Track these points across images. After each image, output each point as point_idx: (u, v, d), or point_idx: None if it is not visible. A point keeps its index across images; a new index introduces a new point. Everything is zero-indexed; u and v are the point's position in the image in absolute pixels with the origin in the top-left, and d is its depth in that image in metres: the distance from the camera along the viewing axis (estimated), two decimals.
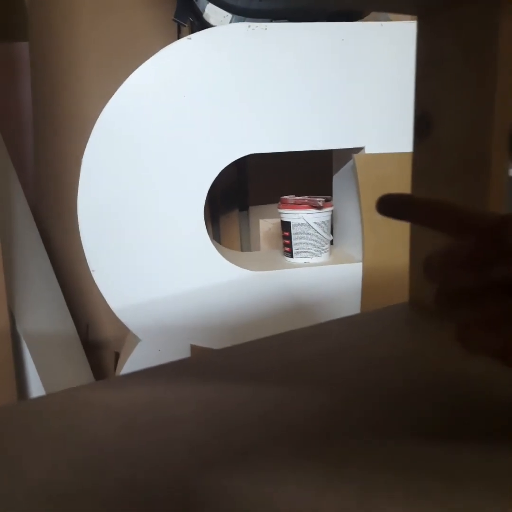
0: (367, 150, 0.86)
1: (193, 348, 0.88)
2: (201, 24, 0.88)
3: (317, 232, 0.92)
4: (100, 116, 0.78)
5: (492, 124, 0.32)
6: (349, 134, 0.86)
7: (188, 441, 0.24)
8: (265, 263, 0.96)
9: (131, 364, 0.88)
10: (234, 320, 0.88)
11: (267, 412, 0.26)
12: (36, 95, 1.11)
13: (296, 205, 0.92)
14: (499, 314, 0.22)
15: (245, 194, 1.19)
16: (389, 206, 0.25)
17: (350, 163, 0.90)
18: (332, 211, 0.95)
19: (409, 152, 0.40)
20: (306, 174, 1.13)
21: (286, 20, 0.85)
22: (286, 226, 0.95)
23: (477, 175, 0.34)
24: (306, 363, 0.32)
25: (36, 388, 0.84)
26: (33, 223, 1.00)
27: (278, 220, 0.99)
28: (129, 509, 0.20)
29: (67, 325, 1.02)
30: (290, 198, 0.94)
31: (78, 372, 0.99)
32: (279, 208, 0.95)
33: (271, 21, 0.85)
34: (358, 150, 0.87)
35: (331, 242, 0.98)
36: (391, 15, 0.99)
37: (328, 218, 0.94)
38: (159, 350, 0.87)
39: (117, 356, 1.11)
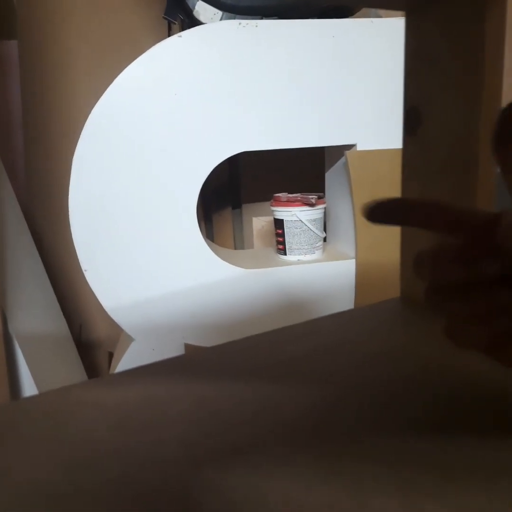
0: (359, 147, 0.87)
1: (187, 347, 0.88)
2: (191, 21, 0.87)
3: (310, 229, 0.92)
4: (90, 115, 0.77)
5: (481, 119, 0.32)
6: (341, 131, 0.86)
7: (180, 438, 0.24)
8: (259, 261, 0.96)
9: (124, 363, 0.88)
10: (228, 318, 0.88)
11: (260, 409, 0.26)
12: (25, 95, 1.10)
13: (289, 203, 0.92)
14: (487, 308, 0.22)
15: (238, 192, 1.19)
16: (378, 212, 0.25)
17: (342, 160, 0.90)
18: (324, 208, 0.95)
19: (401, 149, 0.40)
20: (298, 171, 1.13)
21: (276, 17, 0.85)
22: (279, 223, 0.95)
23: (466, 170, 0.34)
24: (299, 359, 0.32)
25: (29, 388, 0.84)
26: (25, 224, 0.99)
27: (272, 218, 0.99)
28: (120, 507, 0.20)
29: (59, 325, 1.02)
30: (283, 195, 0.94)
31: (71, 372, 0.99)
32: (272, 205, 0.95)
33: (261, 18, 0.85)
34: (350, 147, 0.88)
35: (324, 239, 0.98)
36: (381, 12, 0.99)
37: (321, 215, 0.94)
38: (153, 349, 0.87)
39: (110, 355, 1.11)
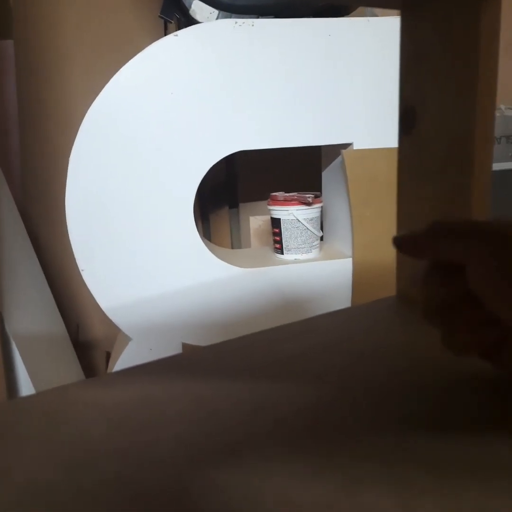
0: (356, 146, 0.87)
1: (185, 346, 0.88)
2: (188, 20, 0.87)
3: (307, 228, 0.93)
4: (87, 115, 0.77)
5: (476, 118, 0.32)
6: (337, 130, 0.86)
7: (178, 438, 0.24)
8: (256, 260, 0.96)
9: (122, 363, 0.88)
10: (225, 317, 0.88)
11: (257, 407, 0.26)
12: (21, 94, 1.10)
13: (286, 202, 0.92)
14: (477, 319, 0.25)
15: (235, 191, 1.19)
16: (407, 246, 0.28)
17: (339, 159, 0.90)
18: (321, 207, 0.95)
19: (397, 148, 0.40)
20: (295, 170, 1.13)
21: (273, 16, 0.85)
22: (276, 222, 0.95)
23: (462, 169, 0.34)
24: (296, 358, 0.32)
25: (26, 389, 0.84)
26: (21, 224, 0.99)
27: (269, 217, 0.99)
28: (119, 507, 0.20)
29: (57, 325, 1.01)
30: (279, 194, 0.94)
31: (68, 372, 0.99)
32: (268, 205, 0.95)
33: (258, 17, 0.85)
34: (346, 146, 0.88)
35: (321, 238, 0.99)
36: (377, 11, 0.99)
37: (318, 214, 0.95)
38: (151, 349, 0.87)
39: (108, 355, 1.11)
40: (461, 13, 0.32)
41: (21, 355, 0.83)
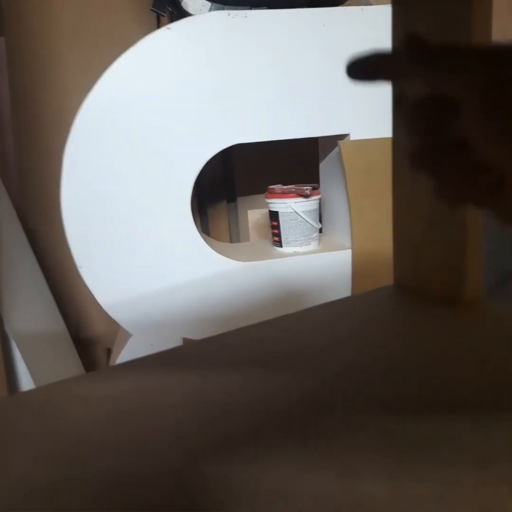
0: (352, 137, 0.86)
1: (185, 341, 0.88)
2: (180, 13, 0.86)
3: (306, 220, 0.92)
4: (80, 110, 0.76)
5: None
6: (333, 121, 0.85)
7: (174, 429, 0.24)
8: (255, 254, 0.95)
9: (123, 359, 0.88)
10: (225, 311, 0.88)
11: (253, 398, 0.26)
12: (14, 92, 1.09)
13: (284, 194, 0.92)
14: (471, 164, 0.23)
15: (233, 185, 1.19)
16: (355, 70, 0.25)
17: (336, 150, 0.90)
18: (319, 199, 0.95)
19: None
20: (292, 162, 1.13)
21: (265, 7, 0.84)
22: (274, 215, 0.94)
23: None
24: (292, 348, 0.32)
25: (27, 387, 0.84)
26: (18, 222, 0.99)
27: (267, 210, 0.98)
28: (116, 500, 0.20)
29: (56, 322, 1.01)
30: (277, 187, 0.93)
31: (69, 370, 0.99)
32: (266, 198, 0.95)
33: (250, 8, 0.84)
34: (343, 136, 0.87)
35: (320, 230, 0.98)
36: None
37: (316, 206, 0.94)
38: (151, 345, 0.87)
39: (109, 352, 1.11)
40: (453, 1, 0.32)
41: (21, 353, 0.83)
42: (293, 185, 0.92)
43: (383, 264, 0.87)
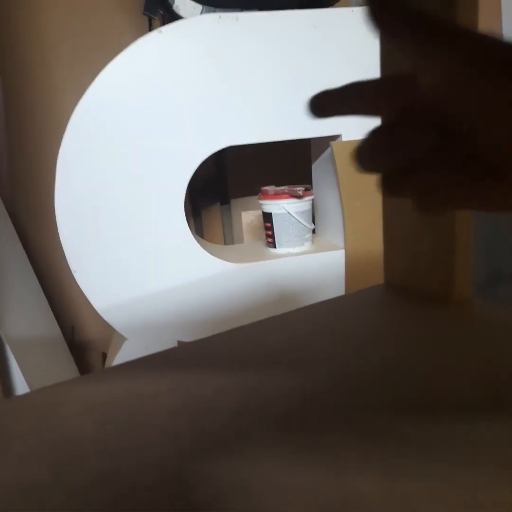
0: (344, 137, 0.87)
1: (180, 344, 0.88)
2: (172, 16, 0.87)
3: (299, 221, 0.92)
4: (73, 113, 0.76)
5: None
6: (325, 122, 0.86)
7: (165, 429, 0.24)
8: (249, 255, 0.96)
9: (118, 363, 0.88)
10: (220, 313, 0.88)
11: (244, 397, 0.26)
12: (6, 93, 1.09)
13: (277, 196, 0.92)
14: (444, 172, 0.22)
15: (226, 187, 1.19)
16: (319, 107, 0.24)
17: (328, 151, 0.90)
18: (312, 200, 0.95)
19: None
20: (285, 164, 1.13)
21: (257, 9, 0.85)
22: (267, 217, 0.95)
23: None
24: (284, 347, 0.32)
25: (22, 392, 0.83)
26: (11, 225, 0.98)
27: (260, 212, 0.98)
28: (108, 502, 0.20)
29: (51, 327, 1.01)
30: (270, 188, 0.93)
31: (65, 375, 0.99)
32: (259, 199, 0.95)
33: (241, 11, 0.84)
34: (335, 137, 0.88)
35: (313, 231, 0.99)
36: (362, 0, 0.99)
37: (309, 207, 0.95)
38: (146, 348, 0.87)
39: (104, 356, 1.10)
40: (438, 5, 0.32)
41: (16, 359, 0.83)
42: (286, 186, 0.93)
43: (376, 264, 0.88)
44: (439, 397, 0.25)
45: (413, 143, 0.22)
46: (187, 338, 0.87)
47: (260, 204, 0.95)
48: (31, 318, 0.95)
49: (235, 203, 1.20)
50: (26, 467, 0.22)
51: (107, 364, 0.96)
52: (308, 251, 0.94)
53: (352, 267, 0.91)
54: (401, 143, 0.22)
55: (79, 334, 1.10)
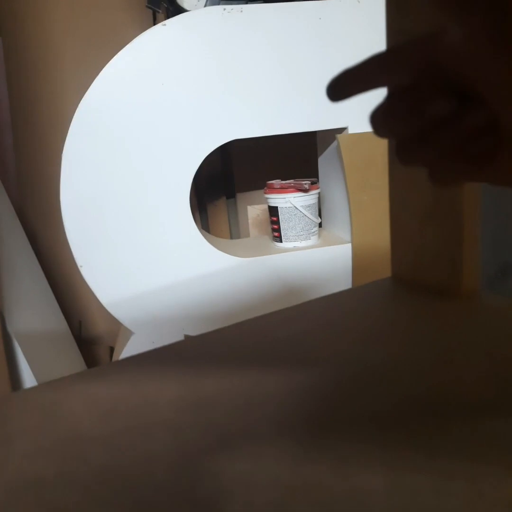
0: (351, 130, 0.86)
1: (187, 338, 0.88)
2: (176, 9, 0.86)
3: (305, 215, 0.92)
4: (78, 108, 0.76)
5: None
6: (331, 114, 0.85)
7: (169, 424, 0.24)
8: (255, 250, 0.95)
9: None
10: (226, 308, 0.88)
11: (248, 392, 0.26)
12: (12, 92, 1.09)
13: (283, 190, 0.91)
14: (459, 140, 0.22)
15: (232, 181, 1.18)
16: (337, 90, 0.24)
17: (334, 144, 0.90)
18: (319, 193, 0.94)
19: None
20: (291, 157, 1.13)
21: (261, 1, 0.84)
22: (273, 211, 0.94)
23: None
24: (289, 342, 0.32)
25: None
26: (18, 222, 0.99)
27: (266, 206, 0.98)
28: (111, 497, 0.20)
29: (59, 322, 1.02)
30: (276, 182, 0.93)
31: (72, 369, 0.99)
32: (265, 193, 0.95)
33: (246, 3, 0.84)
34: (341, 130, 0.87)
35: (320, 225, 0.98)
36: None
37: (315, 200, 0.94)
38: (153, 342, 0.87)
39: (112, 350, 1.11)
40: None
41: (24, 354, 0.84)
42: (292, 180, 0.92)
43: (383, 257, 0.87)
44: (446, 391, 0.25)
45: (429, 106, 0.21)
46: (193, 332, 0.88)
47: (266, 198, 0.95)
48: (39, 314, 0.96)
49: (241, 197, 1.20)
50: (30, 462, 0.22)
51: (114, 359, 0.97)
52: (314, 245, 0.94)
53: (359, 261, 0.90)
54: (416, 106, 0.22)
55: (86, 329, 1.11)
